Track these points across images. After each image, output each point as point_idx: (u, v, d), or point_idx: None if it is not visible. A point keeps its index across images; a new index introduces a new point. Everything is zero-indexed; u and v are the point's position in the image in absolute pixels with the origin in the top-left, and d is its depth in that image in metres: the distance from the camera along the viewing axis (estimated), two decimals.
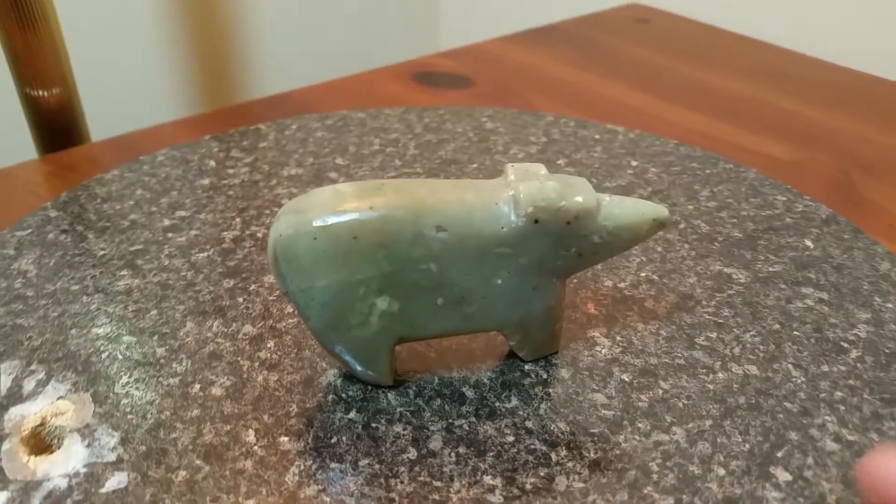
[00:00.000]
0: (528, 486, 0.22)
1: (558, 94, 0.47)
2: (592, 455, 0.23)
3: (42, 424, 0.24)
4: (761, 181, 0.37)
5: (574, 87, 0.48)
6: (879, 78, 0.50)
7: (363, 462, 0.23)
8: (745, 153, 0.41)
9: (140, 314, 0.28)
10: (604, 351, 0.27)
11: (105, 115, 0.60)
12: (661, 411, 0.24)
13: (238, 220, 0.34)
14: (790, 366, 0.26)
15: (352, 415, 0.24)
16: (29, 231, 0.33)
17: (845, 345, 0.27)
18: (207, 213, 0.34)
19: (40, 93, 0.39)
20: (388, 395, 0.25)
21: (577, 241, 0.23)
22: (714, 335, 0.28)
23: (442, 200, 0.22)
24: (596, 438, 0.24)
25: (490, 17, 0.76)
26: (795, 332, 0.28)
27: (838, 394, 0.25)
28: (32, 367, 0.26)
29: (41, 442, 0.23)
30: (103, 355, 0.26)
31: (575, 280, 0.30)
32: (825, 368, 0.26)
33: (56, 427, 0.24)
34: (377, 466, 0.23)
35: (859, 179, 0.38)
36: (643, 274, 0.31)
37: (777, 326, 0.28)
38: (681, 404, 0.25)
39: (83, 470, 0.22)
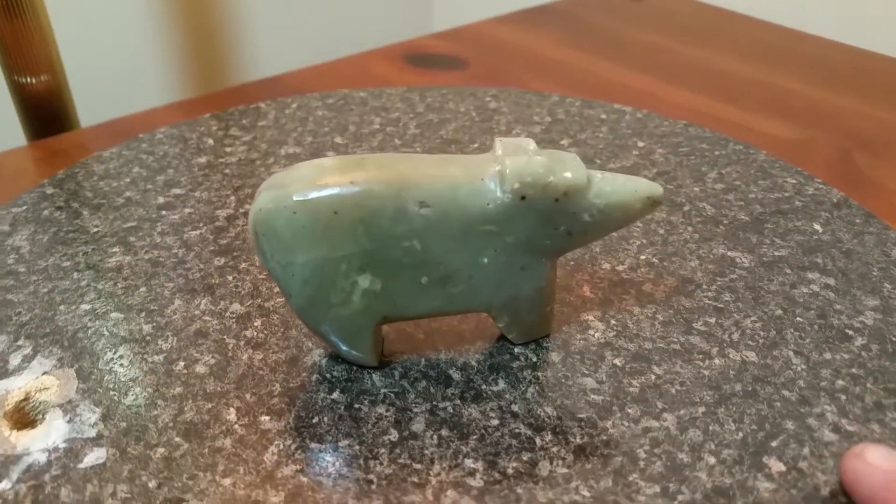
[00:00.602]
0: (509, 471, 0.21)
1: (553, 74, 0.46)
2: (578, 440, 0.22)
3: (26, 399, 0.24)
4: (771, 163, 0.36)
5: (569, 68, 0.47)
6: (880, 55, 0.49)
7: (343, 443, 0.22)
8: (745, 132, 0.40)
9: (129, 291, 0.28)
10: (597, 335, 0.26)
11: (94, 101, 0.59)
12: (653, 397, 0.24)
13: (233, 198, 0.33)
14: (791, 353, 0.25)
15: (335, 395, 0.24)
16: (25, 208, 0.33)
17: (850, 332, 0.26)
18: (202, 191, 0.34)
19: (28, 80, 0.39)
20: (373, 375, 0.25)
21: (567, 219, 0.22)
22: (713, 320, 0.27)
23: (425, 175, 0.22)
24: (583, 424, 0.23)
25: None
26: (798, 319, 0.27)
27: (840, 382, 0.24)
28: (19, 343, 0.26)
29: (25, 417, 0.23)
30: (90, 331, 0.26)
31: (571, 262, 0.30)
32: (827, 356, 0.25)
33: (40, 402, 0.24)
34: (357, 447, 0.22)
35: (861, 157, 0.38)
36: (643, 257, 0.30)
37: (779, 312, 0.27)
38: (673, 390, 0.24)
39: (63, 445, 0.22)
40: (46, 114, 0.40)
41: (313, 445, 0.22)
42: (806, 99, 0.43)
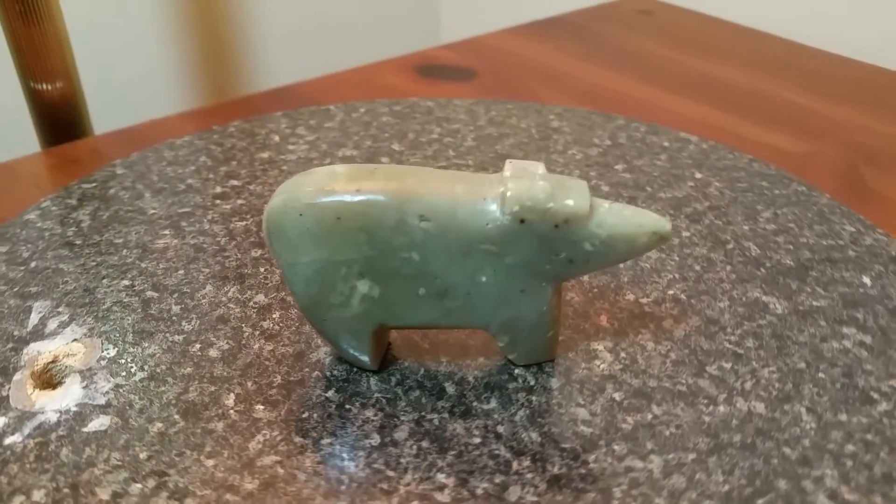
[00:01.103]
0: (478, 491, 0.21)
1: (563, 86, 0.47)
2: (555, 470, 0.22)
3: (54, 362, 0.26)
4: (832, 208, 0.34)
5: (579, 80, 0.47)
6: (885, 69, 0.49)
7: (325, 441, 0.23)
8: (750, 145, 0.40)
9: (168, 272, 0.30)
10: (603, 366, 0.26)
11: (108, 109, 0.61)
12: (644, 437, 0.23)
13: None
14: (803, 409, 0.24)
15: (329, 393, 0.25)
16: (94, 185, 0.35)
17: (875, 395, 0.25)
18: (257, 185, 0.36)
19: (44, 86, 0.39)
20: (371, 379, 0.25)
21: (567, 246, 0.22)
22: (728, 365, 0.26)
23: (429, 190, 0.22)
24: (564, 454, 0.23)
25: (491, 9, 0.76)
26: (820, 374, 0.25)
27: (850, 447, 0.23)
28: (59, 309, 0.28)
29: (49, 378, 0.25)
30: (124, 306, 0.28)
31: (595, 289, 0.29)
32: (843, 417, 0.24)
33: (65, 367, 0.26)
34: (337, 447, 0.23)
35: (867, 171, 0.38)
36: (671, 291, 0.29)
37: (802, 365, 0.26)
38: (667, 432, 0.23)
39: (74, 408, 0.24)
40: (61, 120, 0.41)
41: (297, 439, 0.23)
42: (811, 112, 0.44)
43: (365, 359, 0.25)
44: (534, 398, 0.24)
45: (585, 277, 0.30)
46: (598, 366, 0.26)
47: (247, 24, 0.67)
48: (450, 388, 0.25)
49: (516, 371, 0.25)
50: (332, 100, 0.45)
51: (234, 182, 0.36)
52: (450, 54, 0.51)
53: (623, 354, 0.26)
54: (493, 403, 0.24)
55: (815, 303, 0.28)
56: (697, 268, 0.30)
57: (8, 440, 0.23)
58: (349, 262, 0.23)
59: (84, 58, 0.59)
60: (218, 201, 0.34)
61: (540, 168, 0.23)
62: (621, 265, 0.30)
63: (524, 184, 0.22)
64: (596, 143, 0.39)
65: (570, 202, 0.22)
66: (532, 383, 0.25)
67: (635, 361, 0.26)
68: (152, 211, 0.34)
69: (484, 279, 0.23)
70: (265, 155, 0.38)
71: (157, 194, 0.35)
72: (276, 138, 0.40)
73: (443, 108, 0.43)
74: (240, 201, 0.34)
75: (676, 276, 0.30)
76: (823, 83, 0.47)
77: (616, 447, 0.23)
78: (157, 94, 0.64)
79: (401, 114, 0.42)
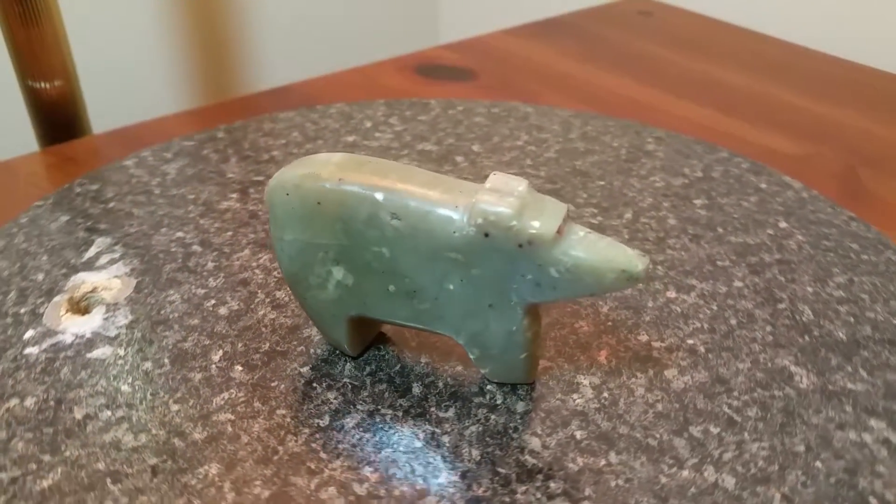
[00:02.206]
0: (395, 492, 0.21)
1: (562, 87, 0.46)
2: (479, 492, 0.22)
3: (92, 291, 0.29)
4: None
5: (578, 81, 0.47)
6: (884, 72, 0.49)
7: (280, 412, 0.24)
8: (749, 147, 0.40)
9: (219, 232, 0.32)
10: (579, 401, 0.24)
11: (106, 107, 0.61)
12: (586, 482, 0.22)
13: None
14: (778, 495, 0.21)
15: (304, 370, 0.26)
16: (192, 143, 0.39)
17: (874, 501, 0.21)
18: None
19: (42, 85, 0.39)
20: (348, 364, 0.26)
21: (533, 268, 0.21)
22: (716, 430, 0.24)
23: (406, 190, 0.22)
24: (496, 479, 0.22)
25: (490, 9, 0.76)
26: (817, 464, 0.22)
27: None
28: (115, 248, 0.31)
29: (82, 305, 0.28)
30: (167, 255, 0.31)
31: (609, 322, 0.28)
32: None
33: (99, 298, 0.29)
34: (287, 420, 0.24)
35: (865, 174, 0.38)
36: (691, 341, 0.27)
37: (801, 448, 0.23)
38: (613, 483, 0.22)
39: (88, 335, 0.27)
40: (59, 119, 0.41)
41: (256, 405, 0.24)
42: (810, 114, 0.44)
43: (343, 344, 0.25)
44: (493, 417, 0.24)
45: (604, 307, 0.28)
46: (574, 400, 0.25)
47: (245, 23, 0.67)
48: (416, 389, 0.25)
49: (488, 386, 0.25)
50: (331, 100, 0.45)
51: None
52: (450, 54, 0.51)
53: (606, 394, 0.25)
54: (451, 413, 0.24)
55: (850, 385, 0.25)
56: (733, 321, 0.28)
57: (27, 350, 0.26)
58: (326, 247, 0.23)
59: (82, 57, 0.58)
60: None
61: (521, 185, 0.22)
62: (650, 303, 0.29)
63: (493, 197, 0.21)
64: (685, 173, 0.37)
65: (536, 224, 0.21)
66: (498, 402, 0.24)
67: (615, 404, 0.24)
68: (231, 175, 0.36)
69: (451, 287, 0.23)
70: (351, 139, 0.40)
71: (242, 161, 0.38)
72: (368, 124, 0.41)
73: (542, 115, 0.42)
74: None
75: (705, 325, 0.28)
76: (823, 85, 0.47)
77: (552, 485, 0.22)
78: (154, 93, 0.64)
79: (496, 116, 0.42)
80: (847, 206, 0.35)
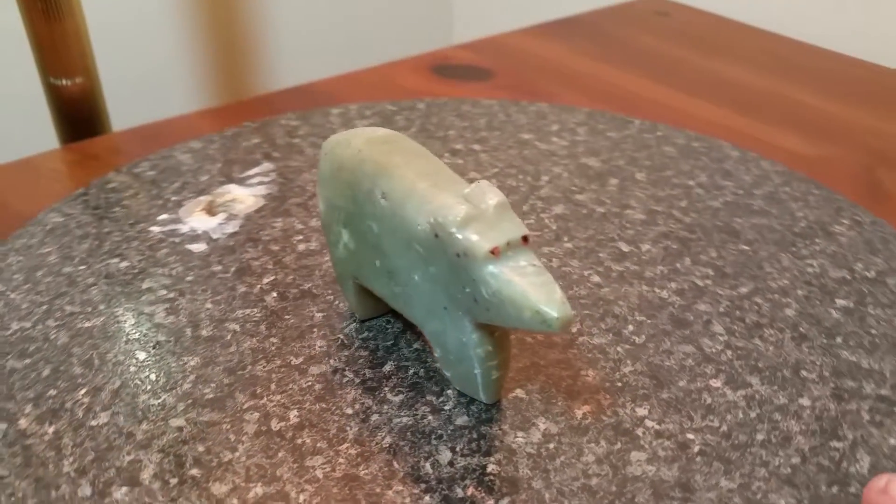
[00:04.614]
0: (298, 440, 0.23)
1: (579, 86, 0.46)
2: (360, 472, 0.22)
3: (231, 200, 0.35)
4: None
5: (595, 80, 0.47)
6: None
7: (271, 339, 0.27)
8: (766, 147, 0.40)
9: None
10: (520, 440, 0.23)
11: (125, 105, 0.61)
12: None
13: None
14: None
15: (318, 315, 0.28)
16: (230, 135, 0.43)
17: None
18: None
19: (63, 82, 0.39)
20: (354, 325, 0.28)
21: (469, 282, 0.21)
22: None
23: (402, 175, 0.23)
24: (383, 468, 0.22)
25: (504, 8, 0.74)
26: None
27: None
28: (271, 175, 0.36)
29: (216, 209, 0.34)
30: (298, 189, 0.35)
31: (620, 383, 0.25)
32: None
33: (230, 207, 0.34)
34: (272, 348, 0.26)
35: (883, 174, 0.38)
36: (690, 436, 0.23)
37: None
38: None
39: (199, 231, 0.32)
40: (80, 116, 0.41)
41: (261, 328, 0.27)
42: (827, 114, 0.43)
43: (351, 304, 0.27)
44: (429, 417, 0.24)
45: (627, 367, 0.26)
46: (516, 436, 0.23)
47: (263, 23, 0.67)
48: (388, 367, 0.26)
49: (448, 391, 0.25)
50: (348, 99, 0.44)
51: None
52: (466, 54, 0.50)
53: (552, 445, 0.23)
54: (398, 398, 0.25)
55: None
56: (759, 437, 0.23)
57: (151, 227, 0.33)
58: (341, 209, 0.25)
59: (103, 54, 0.59)
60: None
61: (495, 198, 0.21)
62: (682, 382, 0.25)
63: (453, 201, 0.21)
64: (717, 193, 0.31)
65: (474, 237, 0.20)
66: (446, 407, 0.24)
67: (552, 458, 0.23)
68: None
69: (416, 278, 0.23)
70: (411, 131, 0.40)
71: (298, 146, 0.41)
72: (434, 120, 0.41)
73: (592, 118, 0.38)
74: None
75: (723, 428, 0.24)
76: (839, 85, 0.47)
77: (426, 498, 0.21)
78: (174, 91, 0.64)
79: (544, 116, 0.39)
80: (868, 206, 0.34)
